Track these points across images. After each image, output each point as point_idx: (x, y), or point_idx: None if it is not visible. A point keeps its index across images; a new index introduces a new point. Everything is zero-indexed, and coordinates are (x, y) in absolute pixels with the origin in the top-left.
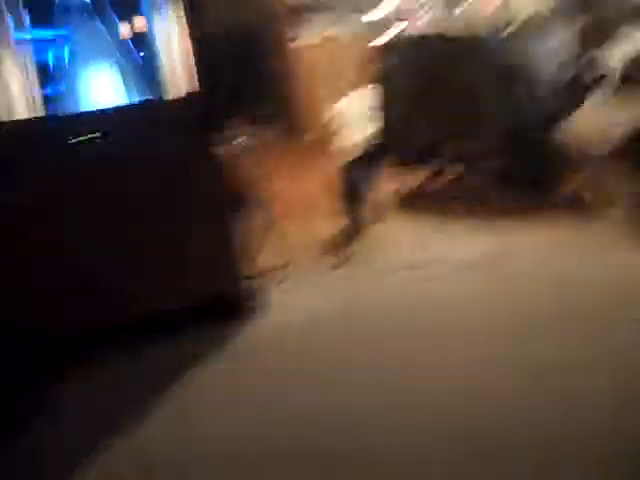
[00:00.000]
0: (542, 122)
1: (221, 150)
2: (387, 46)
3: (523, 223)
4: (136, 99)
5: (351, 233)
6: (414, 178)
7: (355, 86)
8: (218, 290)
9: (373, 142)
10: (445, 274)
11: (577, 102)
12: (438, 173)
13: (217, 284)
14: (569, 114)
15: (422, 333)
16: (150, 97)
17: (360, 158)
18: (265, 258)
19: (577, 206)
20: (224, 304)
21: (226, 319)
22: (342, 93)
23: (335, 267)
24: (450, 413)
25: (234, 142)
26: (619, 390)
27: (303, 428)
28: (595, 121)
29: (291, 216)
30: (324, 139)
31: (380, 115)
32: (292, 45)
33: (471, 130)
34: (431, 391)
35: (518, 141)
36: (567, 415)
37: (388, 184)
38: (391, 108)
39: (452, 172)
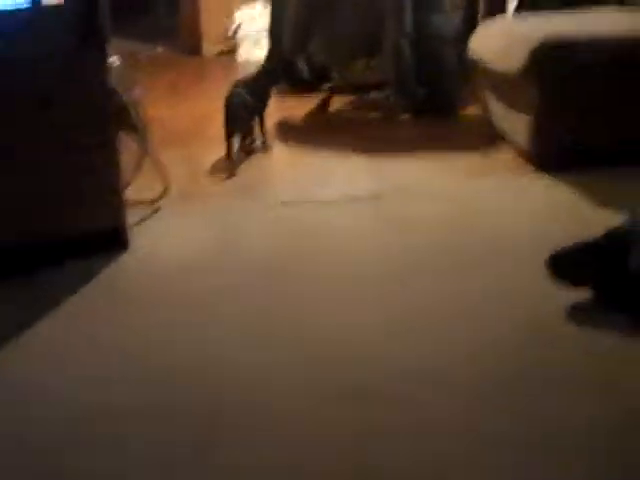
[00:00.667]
0: (449, 33)
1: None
2: None
3: (424, 152)
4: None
5: (232, 162)
6: (304, 104)
7: None
8: (103, 221)
9: (261, 64)
10: (333, 210)
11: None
12: (327, 100)
13: (103, 214)
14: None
15: (303, 276)
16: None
17: (246, 81)
18: (140, 187)
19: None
20: (104, 236)
21: (102, 252)
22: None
23: (215, 197)
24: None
25: (114, 60)
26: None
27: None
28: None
29: (174, 142)
30: (225, 54)
31: (270, 31)
32: None
33: (369, 50)
34: (305, 343)
35: (420, 54)
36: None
37: (277, 111)
38: (282, 22)
39: (345, 99)
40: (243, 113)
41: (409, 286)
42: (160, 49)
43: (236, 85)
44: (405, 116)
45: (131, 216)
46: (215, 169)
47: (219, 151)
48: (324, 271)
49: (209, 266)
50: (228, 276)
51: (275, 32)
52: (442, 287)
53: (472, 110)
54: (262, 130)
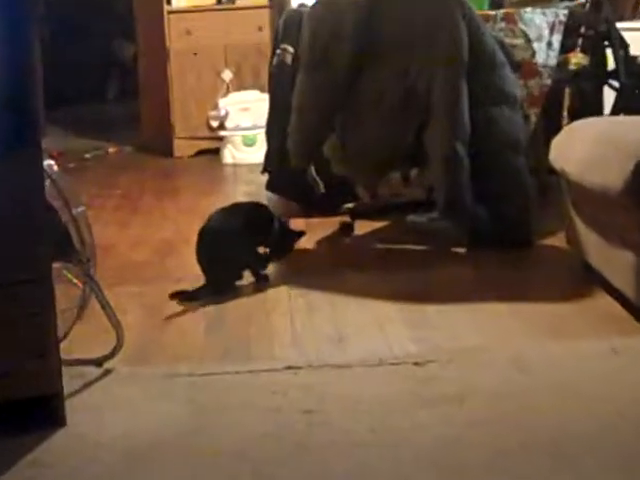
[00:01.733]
0: (519, 135)
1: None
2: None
3: (484, 300)
4: None
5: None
6: (316, 229)
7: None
8: (30, 387)
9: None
10: (354, 380)
11: None
12: (349, 224)
13: (30, 377)
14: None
15: None
16: None
17: (230, 210)
18: (83, 340)
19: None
20: (33, 408)
21: (28, 429)
22: (236, 85)
23: (187, 358)
24: None
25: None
26: None
27: None
28: None
29: (130, 278)
30: (204, 154)
31: (269, 127)
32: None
33: (408, 159)
34: None
35: (480, 163)
36: None
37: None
38: (286, 115)
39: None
40: (225, 253)
41: None
42: (112, 148)
43: (218, 213)
44: (458, 248)
45: (70, 381)
46: (186, 317)
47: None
48: None
49: (169, 457)
50: (194, 473)
51: (276, 129)
52: None
53: (553, 240)
54: (254, 270)
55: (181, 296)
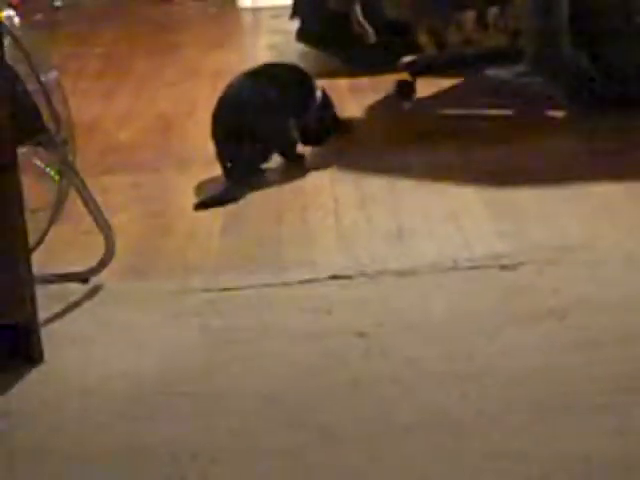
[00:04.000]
0: None
1: None
2: None
3: (596, 181)
4: None
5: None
6: (366, 88)
7: None
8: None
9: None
10: (424, 290)
11: None
12: (408, 84)
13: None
14: None
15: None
16: None
17: (257, 74)
18: (62, 248)
19: None
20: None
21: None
22: None
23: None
24: None
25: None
26: None
27: None
28: None
29: (120, 164)
30: None
31: None
32: None
33: None
34: None
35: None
36: None
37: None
38: None
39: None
40: (252, 130)
41: None
42: None
43: (245, 76)
44: (555, 112)
45: (47, 303)
46: (197, 214)
47: (204, 178)
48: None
49: (178, 404)
50: (210, 424)
51: None
52: None
53: None
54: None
55: (209, 203)
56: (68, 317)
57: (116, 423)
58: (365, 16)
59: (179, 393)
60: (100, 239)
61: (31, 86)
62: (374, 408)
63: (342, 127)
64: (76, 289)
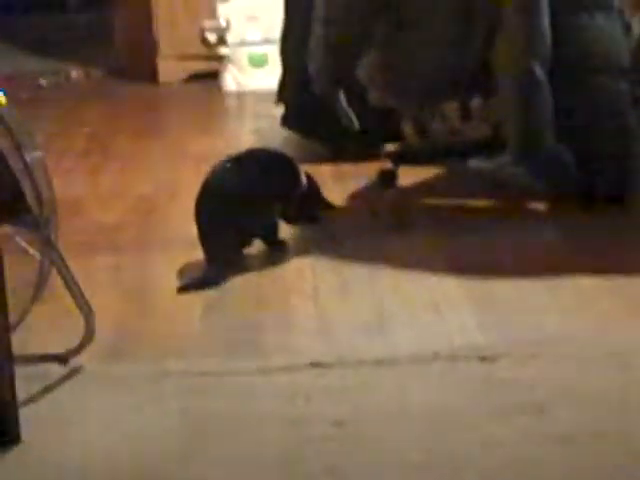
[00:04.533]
0: (618, 51)
1: None
2: None
3: (574, 273)
4: None
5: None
6: (349, 176)
7: None
8: None
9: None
10: (404, 379)
11: None
12: (391, 172)
13: None
14: None
15: None
16: None
17: (242, 159)
18: (43, 329)
19: None
20: None
21: None
22: None
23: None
24: None
25: None
26: None
27: None
28: None
29: (103, 246)
30: (199, 80)
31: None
32: None
33: (469, 84)
34: None
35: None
36: None
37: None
38: (306, 28)
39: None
40: (234, 216)
41: None
42: (76, 72)
43: (229, 161)
44: (536, 203)
45: (26, 384)
46: (178, 298)
47: (186, 260)
48: None
49: None
50: None
51: (295, 44)
52: None
53: None
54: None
55: (191, 286)
56: (47, 398)
57: None
58: (349, 103)
59: (156, 475)
60: (80, 320)
61: (15, 165)
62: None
63: (327, 206)
64: (55, 370)
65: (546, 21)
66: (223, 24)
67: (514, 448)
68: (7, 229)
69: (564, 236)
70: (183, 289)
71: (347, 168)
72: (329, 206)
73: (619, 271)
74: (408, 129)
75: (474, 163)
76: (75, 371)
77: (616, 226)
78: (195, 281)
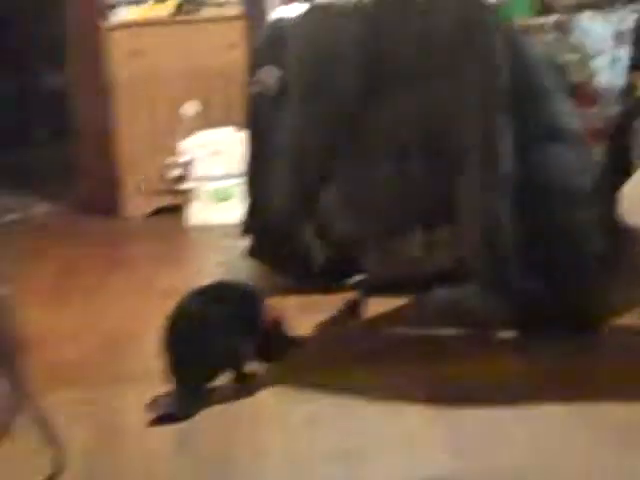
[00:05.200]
0: (581, 181)
1: None
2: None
3: (545, 401)
4: None
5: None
6: (314, 309)
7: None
8: None
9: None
10: None
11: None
12: (356, 303)
13: None
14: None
15: None
16: None
17: (209, 292)
18: (9, 467)
19: None
20: None
21: None
22: (202, 122)
23: None
24: None
25: None
26: None
27: None
28: None
29: (69, 381)
30: (162, 214)
31: (251, 178)
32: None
33: (431, 215)
34: None
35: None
36: None
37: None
38: (270, 161)
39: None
40: (202, 349)
41: None
42: (40, 208)
43: (196, 293)
44: (504, 333)
45: None
46: (148, 432)
47: (154, 394)
48: None
49: None
50: None
51: (259, 178)
52: None
53: (628, 318)
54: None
55: (163, 419)
56: None
57: None
58: (315, 235)
59: None
60: (48, 458)
61: None
62: None
63: (293, 343)
64: None
65: (509, 158)
66: (186, 160)
67: None
68: None
69: (533, 365)
70: (154, 422)
71: (313, 299)
72: (294, 342)
73: (587, 399)
74: (372, 260)
75: (440, 293)
76: None
77: (584, 354)
78: (166, 414)
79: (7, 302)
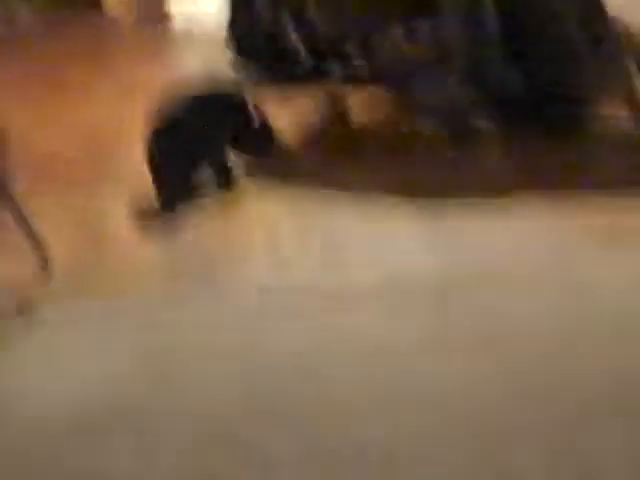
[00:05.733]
0: None
1: None
2: None
3: (525, 198)
4: None
5: (167, 219)
6: (297, 107)
7: None
8: None
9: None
10: (354, 311)
11: None
12: (339, 98)
13: None
14: None
15: None
16: None
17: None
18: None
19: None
20: None
21: None
22: None
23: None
24: None
25: None
26: None
27: None
28: None
29: (52, 181)
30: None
31: None
32: None
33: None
34: None
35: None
36: None
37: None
38: None
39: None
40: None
41: None
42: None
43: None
44: (486, 128)
45: None
46: (131, 233)
47: (136, 191)
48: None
49: (117, 428)
50: (150, 447)
51: None
52: None
53: (611, 108)
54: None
55: (147, 214)
56: (3, 343)
57: (51, 449)
58: (297, 31)
59: (118, 415)
60: (32, 257)
61: None
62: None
63: (274, 140)
64: (6, 309)
65: None
66: None
67: (463, 383)
68: None
69: (514, 158)
70: (138, 217)
71: (299, 97)
72: (278, 143)
73: (569, 194)
74: (355, 52)
75: (422, 85)
76: (26, 310)
77: (565, 145)
78: (149, 208)
79: None
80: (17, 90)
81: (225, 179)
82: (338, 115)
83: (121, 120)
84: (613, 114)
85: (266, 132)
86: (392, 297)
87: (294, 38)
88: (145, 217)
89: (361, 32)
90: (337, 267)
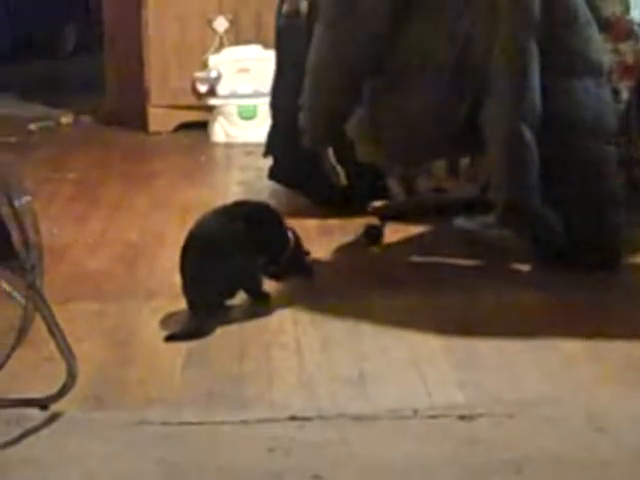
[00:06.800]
0: (607, 117)
1: None
2: None
3: (559, 336)
4: None
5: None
6: (334, 232)
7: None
8: None
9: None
10: (382, 437)
11: None
12: (377, 229)
13: None
14: None
15: None
16: None
17: (228, 211)
18: (24, 375)
19: None
20: None
21: None
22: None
23: (162, 403)
24: None
25: None
26: None
27: None
28: None
29: (88, 292)
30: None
31: (274, 97)
32: None
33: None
34: None
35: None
36: None
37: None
38: (296, 83)
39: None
40: (219, 268)
41: None
42: (66, 118)
43: (216, 212)
44: (521, 265)
45: (5, 428)
46: (160, 348)
47: (169, 310)
48: None
49: None
50: None
51: (285, 98)
52: None
53: None
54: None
55: (177, 337)
56: (24, 442)
57: None
58: (337, 158)
59: None
60: (62, 366)
61: (3, 210)
62: None
63: (311, 266)
64: (35, 415)
65: (536, 83)
66: (214, 75)
67: None
68: None
69: (547, 299)
70: (169, 339)
71: (333, 223)
72: (311, 264)
73: (599, 335)
74: (394, 186)
75: (460, 222)
76: (55, 416)
77: (599, 289)
78: (181, 332)
79: (28, 211)
80: (62, 204)
81: (256, 296)
82: (373, 240)
83: (158, 234)
84: None
85: (300, 258)
86: (416, 423)
87: (336, 165)
88: (177, 337)
89: (403, 164)
90: (362, 392)
